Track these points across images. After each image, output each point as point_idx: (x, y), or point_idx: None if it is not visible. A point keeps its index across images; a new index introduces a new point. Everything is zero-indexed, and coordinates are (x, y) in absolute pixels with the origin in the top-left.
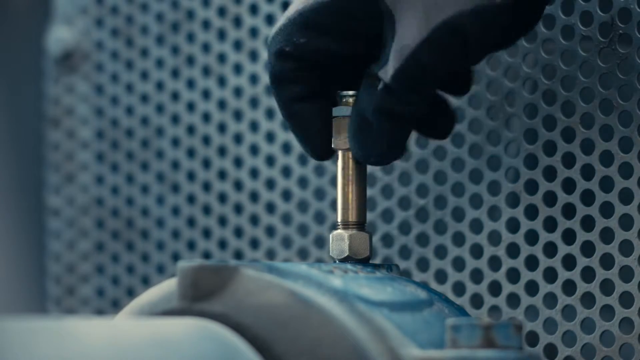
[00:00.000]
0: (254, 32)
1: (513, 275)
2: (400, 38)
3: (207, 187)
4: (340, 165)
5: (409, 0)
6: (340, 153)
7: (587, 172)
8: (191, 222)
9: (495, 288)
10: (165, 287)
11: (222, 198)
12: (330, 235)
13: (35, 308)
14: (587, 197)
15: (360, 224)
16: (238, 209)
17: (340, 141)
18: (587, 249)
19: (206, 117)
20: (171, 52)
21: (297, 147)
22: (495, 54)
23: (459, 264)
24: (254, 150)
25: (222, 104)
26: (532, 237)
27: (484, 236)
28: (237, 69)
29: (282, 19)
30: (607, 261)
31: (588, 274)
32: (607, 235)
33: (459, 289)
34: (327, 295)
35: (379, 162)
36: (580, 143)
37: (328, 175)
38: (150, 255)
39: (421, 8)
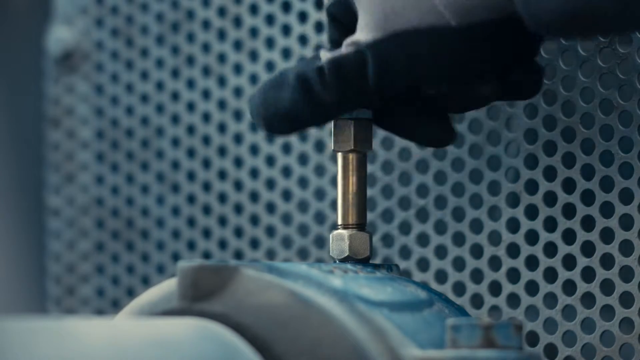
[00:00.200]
0: (254, 32)
1: (513, 275)
2: (355, 33)
3: (207, 187)
4: (340, 167)
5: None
6: (340, 155)
7: (587, 172)
8: (191, 222)
9: (495, 288)
10: (165, 287)
11: (222, 198)
12: (330, 235)
13: (35, 308)
14: (587, 197)
15: (361, 226)
16: (238, 209)
17: (341, 143)
18: (587, 249)
19: (206, 117)
20: (171, 52)
21: (297, 147)
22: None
23: (459, 264)
24: (254, 150)
25: (222, 104)
26: (532, 237)
27: (484, 236)
28: (237, 69)
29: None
30: (607, 261)
31: (588, 274)
32: (607, 235)
33: (459, 289)
34: (327, 295)
35: (268, 124)
36: (580, 143)
37: (328, 175)
38: (150, 255)
39: (380, 12)
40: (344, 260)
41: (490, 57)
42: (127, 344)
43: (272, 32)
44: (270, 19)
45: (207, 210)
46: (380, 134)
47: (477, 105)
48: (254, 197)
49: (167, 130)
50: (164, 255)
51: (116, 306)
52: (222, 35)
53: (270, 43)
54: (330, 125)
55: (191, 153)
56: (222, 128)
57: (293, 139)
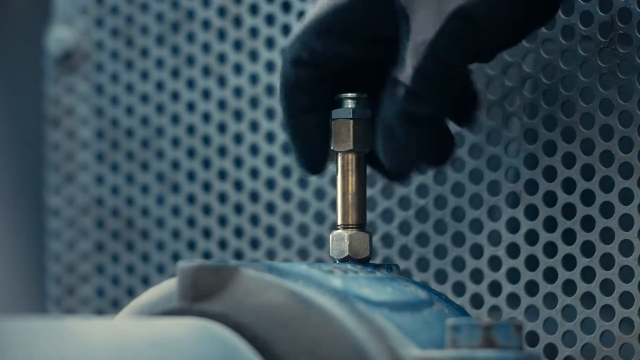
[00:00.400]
0: (254, 32)
1: (513, 275)
2: (415, 35)
3: (207, 187)
4: (339, 168)
5: None
6: (339, 155)
7: (587, 172)
8: (191, 222)
9: (495, 288)
10: (165, 287)
11: (222, 198)
12: (330, 235)
13: (35, 308)
14: (587, 197)
15: (360, 226)
16: (238, 209)
17: (340, 143)
18: (587, 249)
19: (206, 117)
20: (171, 52)
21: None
22: None
23: (459, 264)
24: (254, 150)
25: (222, 104)
26: (532, 237)
27: (484, 236)
28: (237, 69)
29: (299, 27)
30: (607, 261)
31: (588, 274)
32: (607, 235)
33: (459, 289)
34: (327, 295)
35: (409, 170)
36: (580, 143)
37: (328, 175)
38: (150, 255)
39: (434, 1)
40: (344, 260)
41: (544, 17)
42: (127, 344)
43: (272, 32)
44: (270, 19)
45: (207, 210)
46: None
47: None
48: (254, 197)
49: (167, 130)
50: (164, 255)
51: (116, 306)
52: (222, 35)
53: (270, 43)
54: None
55: (191, 153)
56: (222, 128)
57: None
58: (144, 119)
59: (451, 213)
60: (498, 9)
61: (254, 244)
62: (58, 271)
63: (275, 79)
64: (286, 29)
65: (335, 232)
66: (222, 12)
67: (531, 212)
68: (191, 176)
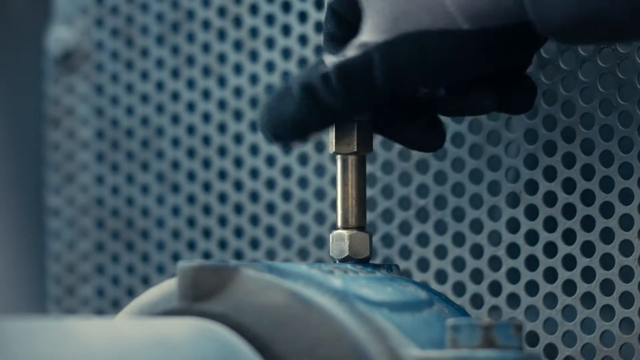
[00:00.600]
0: (254, 32)
1: (513, 275)
2: (362, 34)
3: (207, 187)
4: (339, 170)
5: (381, 1)
6: (340, 157)
7: (587, 172)
8: (191, 222)
9: (495, 288)
10: (165, 287)
11: (222, 198)
12: (330, 236)
13: (35, 308)
14: (587, 197)
15: (360, 228)
16: (238, 209)
17: (340, 145)
18: (587, 249)
19: (206, 117)
20: (171, 52)
21: (297, 147)
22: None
23: (459, 264)
24: (254, 150)
25: (222, 104)
26: (532, 237)
27: (484, 236)
28: (237, 69)
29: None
30: (607, 261)
31: (588, 274)
32: (607, 235)
33: (459, 289)
34: (327, 296)
35: (274, 134)
36: (580, 143)
37: (328, 175)
38: (150, 255)
39: (389, 14)
40: (344, 260)
41: (499, 62)
42: (127, 344)
43: (272, 32)
44: (270, 19)
45: (207, 210)
46: None
47: (472, 113)
48: (254, 197)
49: (167, 130)
50: (164, 255)
51: (116, 306)
52: (222, 35)
53: (270, 43)
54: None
55: (191, 153)
56: (222, 128)
57: None
58: (144, 119)
59: (451, 213)
60: (448, 44)
61: (254, 244)
62: (58, 271)
63: (275, 79)
64: (286, 29)
65: (335, 232)
66: (222, 12)
67: (531, 212)
68: (191, 176)
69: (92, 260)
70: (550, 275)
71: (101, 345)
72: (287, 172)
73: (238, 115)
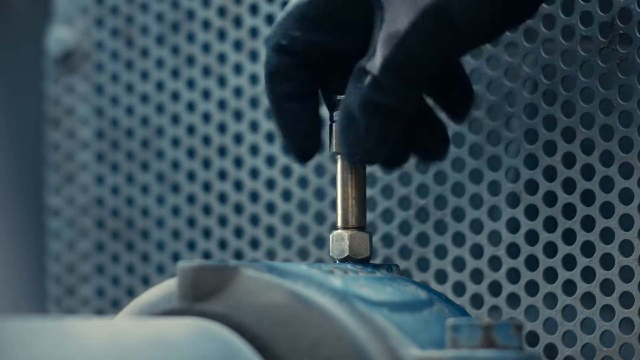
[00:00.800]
0: (254, 32)
1: (513, 275)
2: (387, 26)
3: (207, 187)
4: (339, 170)
5: None
6: (340, 157)
7: (587, 172)
8: (191, 222)
9: (495, 288)
10: (165, 287)
11: (222, 198)
12: (330, 235)
13: (35, 308)
14: (587, 197)
15: (360, 228)
16: (238, 209)
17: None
18: (587, 249)
19: (206, 117)
20: (171, 52)
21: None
22: (495, 54)
23: (459, 264)
24: (254, 150)
25: (222, 104)
26: (532, 237)
27: (484, 236)
28: (237, 69)
29: (281, 14)
30: (607, 261)
31: (588, 274)
32: (607, 235)
33: (459, 289)
34: (327, 295)
35: (366, 160)
36: (580, 143)
37: (328, 175)
38: (150, 255)
39: None
40: (344, 260)
41: (519, 13)
42: (127, 344)
43: None
44: (270, 19)
45: (207, 210)
46: None
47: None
48: (254, 197)
49: (167, 130)
50: (164, 255)
51: (116, 306)
52: (222, 35)
53: None
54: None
55: (191, 153)
56: (222, 128)
57: None
58: (144, 119)
59: (451, 213)
60: (474, 7)
61: (254, 244)
62: (58, 271)
63: None
64: None
65: (335, 232)
66: (222, 12)
67: (531, 212)
68: (191, 176)
69: (92, 260)
70: (550, 275)
71: (101, 345)
72: (287, 172)
73: (238, 115)
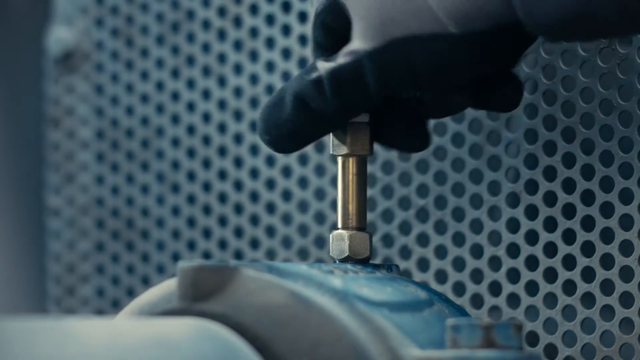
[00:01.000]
0: (254, 32)
1: (513, 275)
2: (352, 42)
3: (207, 187)
4: (340, 172)
5: (367, 8)
6: (340, 159)
7: (587, 172)
8: (191, 222)
9: (495, 288)
10: (165, 287)
11: (222, 198)
12: (330, 235)
13: (35, 308)
14: (587, 197)
15: (360, 229)
16: (238, 209)
17: (340, 148)
18: (587, 249)
19: (206, 117)
20: (171, 52)
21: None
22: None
23: (459, 264)
24: (254, 150)
25: (222, 104)
26: (532, 237)
27: (484, 236)
28: (237, 69)
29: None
30: (607, 261)
31: (588, 274)
32: (607, 235)
33: (459, 289)
34: (327, 296)
35: (273, 144)
36: (580, 143)
37: (328, 175)
38: (150, 255)
39: (377, 20)
40: (344, 260)
41: (490, 63)
42: (127, 344)
43: (272, 32)
44: (270, 19)
45: (207, 210)
46: None
47: (455, 112)
48: (254, 197)
49: (167, 130)
50: (164, 255)
51: (116, 306)
52: (222, 35)
53: (270, 43)
54: None
55: (191, 153)
56: (222, 128)
57: None
58: (144, 119)
59: (451, 213)
60: (437, 49)
61: (254, 244)
62: (58, 271)
63: (276, 79)
64: (286, 29)
65: (335, 232)
66: (222, 12)
67: (531, 212)
68: (191, 176)
69: (92, 260)
70: (550, 275)
71: (101, 345)
72: (287, 172)
73: (238, 115)
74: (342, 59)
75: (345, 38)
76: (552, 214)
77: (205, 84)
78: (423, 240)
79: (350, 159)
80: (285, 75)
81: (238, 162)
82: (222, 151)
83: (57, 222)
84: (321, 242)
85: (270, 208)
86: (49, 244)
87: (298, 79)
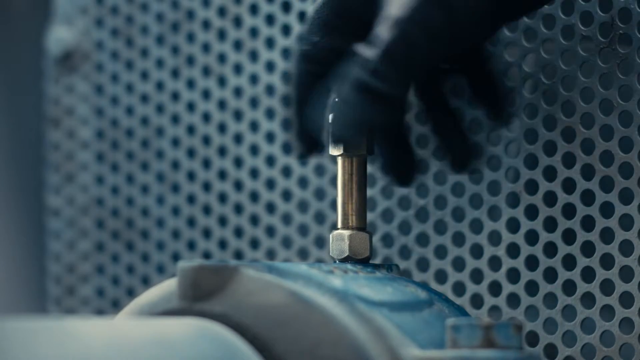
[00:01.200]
0: (254, 32)
1: (513, 275)
2: (386, 12)
3: (207, 187)
4: (340, 170)
5: None
6: (340, 159)
7: (587, 172)
8: (191, 222)
9: (495, 288)
10: (165, 287)
11: (222, 198)
12: (330, 235)
13: (35, 308)
14: (587, 197)
15: (360, 229)
16: (238, 209)
17: (340, 148)
18: (587, 249)
19: (206, 117)
20: (171, 52)
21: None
22: (495, 54)
23: (459, 264)
24: (254, 150)
25: (222, 104)
26: (532, 237)
27: (484, 236)
28: (237, 69)
29: (307, 17)
30: (607, 261)
31: (588, 274)
32: (607, 235)
33: (459, 289)
34: (327, 295)
35: (349, 143)
36: (580, 143)
37: (328, 175)
38: (150, 255)
39: None
40: (344, 260)
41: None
42: (127, 344)
43: (272, 32)
44: (270, 19)
45: (207, 210)
46: None
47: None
48: (254, 197)
49: (167, 130)
50: (164, 255)
51: (116, 306)
52: (222, 35)
53: (270, 43)
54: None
55: (191, 153)
56: (222, 128)
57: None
58: (144, 119)
59: (451, 213)
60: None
61: (254, 244)
62: (58, 271)
63: (275, 79)
64: (286, 29)
65: (335, 232)
66: (222, 12)
67: (531, 212)
68: (191, 176)
69: (92, 260)
70: (550, 275)
71: (101, 345)
72: (287, 172)
73: (238, 115)
74: (384, 32)
75: (359, 19)
76: (552, 214)
77: (205, 84)
78: (423, 240)
79: (350, 159)
80: (285, 76)
81: (238, 162)
82: (222, 151)
83: (57, 222)
84: (321, 242)
85: (270, 208)
86: (49, 244)
87: (345, 74)
